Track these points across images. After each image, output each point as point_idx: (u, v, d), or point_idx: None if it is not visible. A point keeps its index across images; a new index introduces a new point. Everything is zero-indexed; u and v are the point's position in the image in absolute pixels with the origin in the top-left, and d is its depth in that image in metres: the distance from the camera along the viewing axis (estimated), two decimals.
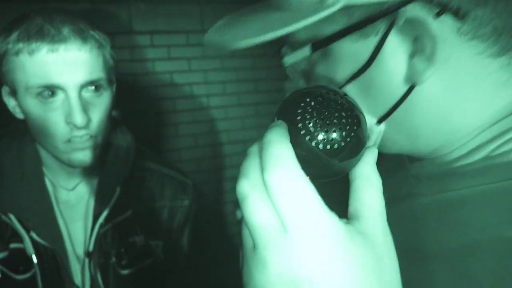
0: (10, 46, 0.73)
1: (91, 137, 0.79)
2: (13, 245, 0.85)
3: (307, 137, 0.31)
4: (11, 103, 0.82)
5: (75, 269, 0.91)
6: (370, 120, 0.42)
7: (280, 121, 0.32)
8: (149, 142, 2.26)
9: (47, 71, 0.72)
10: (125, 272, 0.92)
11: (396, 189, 0.55)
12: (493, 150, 0.40)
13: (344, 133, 0.30)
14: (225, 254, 2.54)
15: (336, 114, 0.31)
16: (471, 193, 0.41)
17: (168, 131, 2.32)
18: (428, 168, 0.47)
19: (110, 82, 0.83)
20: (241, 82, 2.45)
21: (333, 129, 0.30)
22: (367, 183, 0.31)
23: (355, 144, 0.31)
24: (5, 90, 0.82)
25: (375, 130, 0.43)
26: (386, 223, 0.30)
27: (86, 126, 0.76)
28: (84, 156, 0.79)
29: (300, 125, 0.31)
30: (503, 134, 0.40)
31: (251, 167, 0.30)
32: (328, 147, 0.30)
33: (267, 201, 0.28)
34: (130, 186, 0.94)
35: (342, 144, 0.30)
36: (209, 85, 2.37)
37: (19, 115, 0.82)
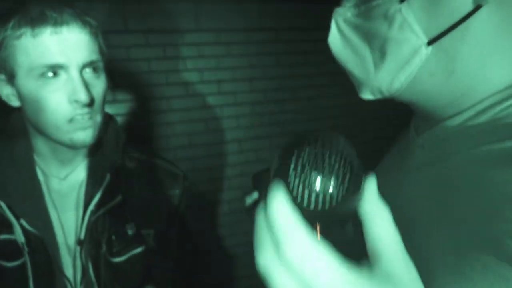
0: (9, 32, 0.75)
1: (91, 117, 0.80)
2: (3, 235, 0.85)
3: (303, 201, 0.31)
4: (5, 91, 0.82)
5: (67, 261, 0.91)
6: (422, 41, 0.44)
7: (278, 186, 0.32)
8: (144, 141, 2.27)
9: (51, 52, 0.74)
10: (116, 260, 0.91)
11: (403, 162, 0.58)
12: (498, 112, 0.43)
13: (338, 186, 0.31)
14: (218, 254, 2.53)
15: (327, 169, 0.31)
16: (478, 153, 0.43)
17: (163, 130, 2.32)
18: (437, 133, 0.51)
19: (105, 66, 0.86)
20: (237, 81, 2.45)
21: (327, 185, 0.31)
22: (376, 218, 0.31)
23: (351, 192, 0.31)
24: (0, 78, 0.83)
25: (422, 52, 0.45)
26: (405, 253, 0.30)
27: (90, 104, 0.78)
28: (85, 135, 0.80)
29: (294, 187, 0.32)
30: (509, 98, 0.43)
31: (264, 241, 0.30)
32: (325, 203, 0.31)
33: (290, 272, 0.29)
34: (120, 174, 0.95)
35: (339, 196, 0.31)
36: (204, 84, 2.38)
37: (14, 103, 0.83)
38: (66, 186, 0.91)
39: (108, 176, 0.90)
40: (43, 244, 0.86)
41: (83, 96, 0.75)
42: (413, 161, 0.55)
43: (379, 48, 0.49)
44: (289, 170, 0.32)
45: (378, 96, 0.53)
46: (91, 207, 0.88)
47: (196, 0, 2.29)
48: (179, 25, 2.28)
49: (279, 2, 2.48)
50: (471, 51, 0.44)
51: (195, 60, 2.34)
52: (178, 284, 1.02)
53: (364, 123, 2.83)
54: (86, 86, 0.77)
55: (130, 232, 0.93)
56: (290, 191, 0.31)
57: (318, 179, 0.31)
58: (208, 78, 2.38)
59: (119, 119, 2.17)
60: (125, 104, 2.24)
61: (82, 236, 0.88)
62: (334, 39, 0.55)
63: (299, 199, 0.31)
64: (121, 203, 0.92)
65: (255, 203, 0.73)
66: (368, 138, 2.85)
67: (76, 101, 0.76)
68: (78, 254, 0.90)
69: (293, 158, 0.32)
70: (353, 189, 0.31)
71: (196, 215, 2.41)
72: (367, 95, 0.54)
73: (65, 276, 0.89)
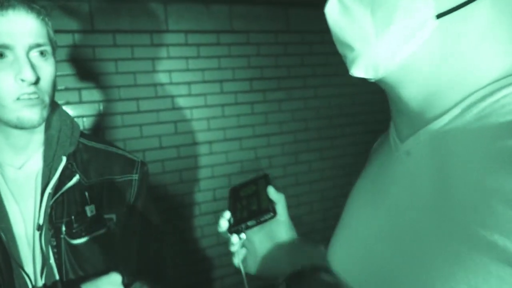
0: None
1: (39, 97, 0.81)
2: None
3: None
4: None
5: (26, 255, 0.87)
6: (431, 12, 0.43)
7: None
8: (113, 142, 2.23)
9: None
10: (76, 242, 0.90)
11: (386, 173, 0.56)
12: (483, 109, 0.42)
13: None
14: (190, 255, 2.50)
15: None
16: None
17: (132, 132, 2.29)
18: (423, 137, 0.49)
19: (53, 51, 0.87)
20: (207, 83, 2.44)
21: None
22: None
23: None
24: None
25: (429, 25, 0.43)
26: None
27: (35, 83, 0.80)
28: (32, 113, 0.81)
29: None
30: (493, 93, 0.42)
31: None
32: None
33: None
34: (77, 160, 0.95)
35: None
36: (174, 86, 2.36)
37: None
38: (22, 176, 0.90)
39: (64, 160, 0.91)
40: None
41: (28, 75, 0.78)
42: (398, 170, 0.53)
43: (384, 17, 0.45)
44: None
45: (370, 74, 0.50)
46: (48, 190, 0.87)
47: (165, 0, 2.27)
48: (148, 25, 2.25)
49: (249, 4, 2.50)
50: (471, 36, 0.43)
51: (164, 61, 2.32)
52: (146, 275, 1.01)
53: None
54: (32, 66, 0.80)
55: (89, 213, 0.93)
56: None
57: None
58: (178, 79, 2.36)
59: (86, 121, 2.13)
60: (92, 105, 2.19)
61: (41, 221, 0.87)
62: (332, 7, 0.51)
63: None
64: (78, 184, 0.92)
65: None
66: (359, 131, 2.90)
67: (22, 80, 0.78)
68: (37, 243, 0.88)
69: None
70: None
71: (166, 217, 2.38)
72: (359, 71, 0.50)
73: (24, 271, 0.87)
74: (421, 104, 0.49)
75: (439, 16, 0.43)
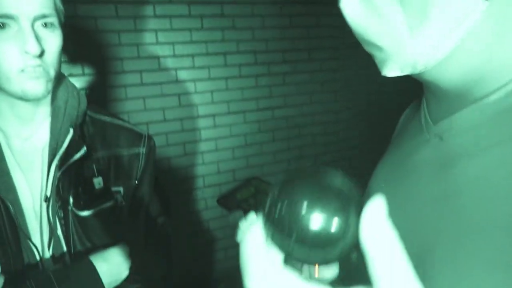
0: None
1: (44, 69, 0.80)
2: None
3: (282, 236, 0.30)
4: None
5: (33, 227, 0.88)
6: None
7: (255, 219, 0.32)
8: (117, 115, 2.23)
9: (2, 3, 0.74)
10: (84, 213, 0.91)
11: (413, 157, 0.50)
12: None
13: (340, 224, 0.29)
14: (193, 228, 2.54)
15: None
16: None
17: (135, 104, 2.28)
18: (459, 121, 0.43)
19: (60, 23, 0.85)
20: (211, 56, 2.42)
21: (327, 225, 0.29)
22: (371, 259, 0.26)
23: (351, 225, 0.29)
24: None
25: (478, 9, 0.36)
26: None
27: (40, 55, 0.78)
28: (37, 85, 0.80)
29: (273, 222, 0.31)
30: None
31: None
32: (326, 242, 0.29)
33: None
34: (83, 131, 0.95)
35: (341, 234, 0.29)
36: (177, 58, 2.33)
37: None
38: (29, 147, 0.90)
39: (71, 131, 0.90)
40: (5, 207, 0.84)
41: (33, 47, 0.76)
42: (427, 155, 0.47)
43: (420, 10, 0.38)
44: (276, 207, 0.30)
45: (407, 72, 0.43)
46: (55, 161, 0.87)
47: None
48: None
49: None
50: None
51: (167, 33, 2.29)
52: (152, 247, 1.03)
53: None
54: (37, 38, 0.78)
55: (97, 186, 0.93)
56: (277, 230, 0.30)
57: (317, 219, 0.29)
58: (181, 52, 2.34)
59: (89, 93, 2.12)
60: (95, 77, 2.18)
61: (48, 192, 0.87)
62: (350, 2, 0.42)
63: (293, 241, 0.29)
64: (86, 156, 0.91)
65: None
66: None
67: (27, 52, 0.76)
68: (44, 215, 0.88)
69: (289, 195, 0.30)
70: (353, 222, 0.29)
71: (170, 189, 2.41)
72: (392, 72, 0.44)
73: (31, 242, 0.88)
74: (461, 89, 0.43)
75: None
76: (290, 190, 0.30)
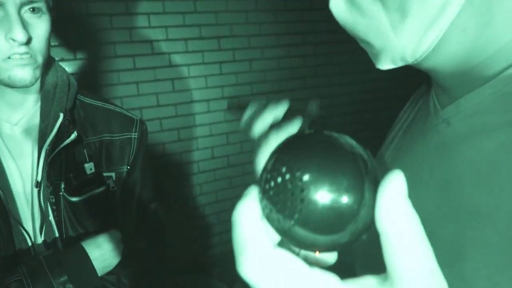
0: None
1: (31, 56, 0.79)
2: None
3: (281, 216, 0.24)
4: None
5: (24, 213, 0.88)
6: None
7: (252, 194, 0.26)
8: (110, 100, 2.21)
9: None
10: (75, 199, 0.91)
11: (420, 143, 0.50)
12: None
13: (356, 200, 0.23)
14: (188, 213, 2.55)
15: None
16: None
17: (128, 89, 2.26)
18: (465, 105, 0.43)
19: (48, 8, 0.83)
20: (204, 40, 2.39)
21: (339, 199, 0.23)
22: (389, 241, 0.23)
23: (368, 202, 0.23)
24: None
25: (455, 2, 0.37)
26: (439, 275, 0.23)
27: (27, 43, 0.76)
28: (24, 73, 0.78)
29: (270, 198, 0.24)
30: None
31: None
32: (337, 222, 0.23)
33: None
34: (74, 116, 0.94)
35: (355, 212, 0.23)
36: (170, 42, 2.31)
37: None
38: (19, 132, 0.89)
39: (61, 116, 0.89)
40: None
41: (19, 34, 0.74)
42: (435, 141, 0.47)
43: (399, 7, 0.40)
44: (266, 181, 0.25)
45: (400, 64, 0.45)
46: (46, 146, 0.86)
47: None
48: None
49: None
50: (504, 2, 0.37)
51: (159, 17, 2.25)
52: (144, 233, 1.04)
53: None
54: (24, 25, 0.76)
55: (89, 171, 0.93)
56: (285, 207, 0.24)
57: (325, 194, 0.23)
58: (174, 36, 2.31)
59: (81, 78, 2.10)
60: (87, 62, 2.15)
61: (39, 178, 0.86)
62: (337, 3, 0.46)
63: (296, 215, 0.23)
64: (77, 141, 0.91)
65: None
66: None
67: (13, 40, 0.75)
68: (36, 200, 0.88)
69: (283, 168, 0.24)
70: (368, 200, 0.23)
71: (165, 175, 2.41)
72: (386, 65, 0.45)
73: (23, 227, 0.87)
74: (462, 76, 0.43)
75: None
76: (290, 158, 0.24)
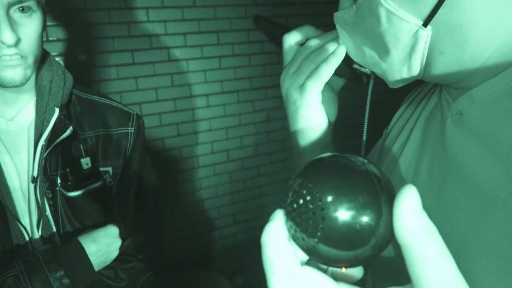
0: None
1: (22, 57, 0.77)
2: None
3: (306, 234, 0.26)
4: None
5: (21, 208, 0.88)
6: (416, 24, 0.41)
7: (278, 216, 0.29)
8: (109, 95, 2.20)
9: None
10: (72, 194, 0.91)
11: (432, 136, 0.51)
12: None
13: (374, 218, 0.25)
14: (188, 209, 2.55)
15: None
16: None
17: (127, 84, 2.26)
18: (478, 96, 0.44)
19: (39, 5, 0.81)
20: (203, 34, 2.38)
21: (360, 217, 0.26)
22: (412, 254, 0.24)
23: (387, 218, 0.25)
24: None
25: (422, 35, 0.41)
26: (461, 282, 0.25)
27: (16, 44, 0.75)
28: (14, 74, 0.77)
29: (295, 219, 0.27)
30: None
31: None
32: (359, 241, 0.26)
33: None
34: (70, 111, 0.93)
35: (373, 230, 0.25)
36: (169, 37, 2.30)
37: None
38: (15, 127, 0.89)
39: (57, 111, 0.88)
40: None
41: (7, 37, 0.72)
42: (449, 132, 0.47)
43: (380, 44, 0.46)
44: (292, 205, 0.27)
45: (406, 82, 0.50)
46: (42, 141, 0.86)
47: None
48: None
49: None
50: (476, 12, 0.38)
51: (158, 11, 2.24)
52: (142, 228, 1.04)
53: None
54: (12, 26, 0.74)
55: (85, 166, 0.92)
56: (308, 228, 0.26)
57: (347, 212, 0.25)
58: (173, 30, 2.30)
59: (80, 73, 2.10)
60: (85, 56, 2.14)
61: (35, 173, 0.86)
62: (344, 41, 0.54)
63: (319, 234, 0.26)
64: (73, 137, 0.90)
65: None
66: None
67: (2, 42, 0.73)
68: (32, 195, 0.88)
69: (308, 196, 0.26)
70: (386, 216, 0.25)
71: (164, 170, 2.41)
72: (394, 85, 0.51)
73: (20, 222, 0.88)
74: (468, 78, 0.45)
75: (426, 23, 0.40)
76: (309, 181, 0.26)
